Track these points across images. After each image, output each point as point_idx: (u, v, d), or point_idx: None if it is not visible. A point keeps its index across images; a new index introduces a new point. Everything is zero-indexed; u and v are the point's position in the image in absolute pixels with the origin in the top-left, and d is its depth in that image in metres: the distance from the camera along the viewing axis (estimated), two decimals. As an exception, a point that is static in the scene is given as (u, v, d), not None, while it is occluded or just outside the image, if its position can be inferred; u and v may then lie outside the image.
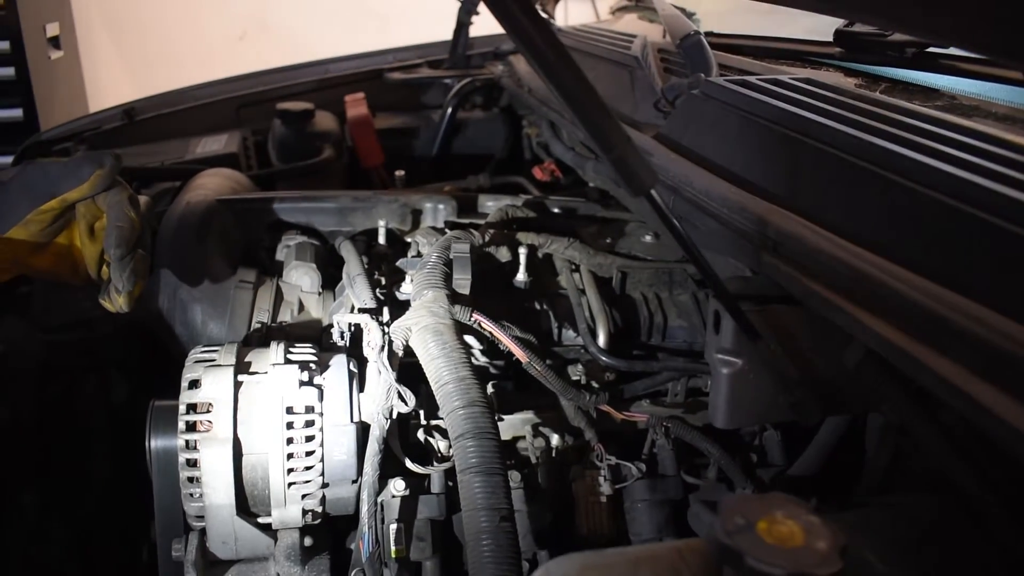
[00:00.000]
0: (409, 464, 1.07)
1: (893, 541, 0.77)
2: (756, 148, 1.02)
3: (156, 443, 1.06)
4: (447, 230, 1.39)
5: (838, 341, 0.84)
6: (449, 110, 2.13)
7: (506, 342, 1.11)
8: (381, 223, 1.37)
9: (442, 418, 1.12)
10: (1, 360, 1.29)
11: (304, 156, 1.97)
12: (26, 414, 1.40)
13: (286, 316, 1.26)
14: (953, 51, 1.30)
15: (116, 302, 1.09)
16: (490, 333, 1.11)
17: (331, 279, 1.33)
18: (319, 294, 1.30)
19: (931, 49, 1.31)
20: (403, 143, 2.17)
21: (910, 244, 0.77)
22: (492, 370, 1.20)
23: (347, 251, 1.28)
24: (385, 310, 1.17)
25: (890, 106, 1.01)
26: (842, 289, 0.77)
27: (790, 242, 0.84)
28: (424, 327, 1.07)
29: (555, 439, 1.17)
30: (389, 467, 1.07)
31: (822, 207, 0.87)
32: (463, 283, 1.15)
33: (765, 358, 0.86)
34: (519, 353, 1.11)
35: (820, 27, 1.48)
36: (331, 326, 1.20)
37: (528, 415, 1.19)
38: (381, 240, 1.36)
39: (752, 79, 1.15)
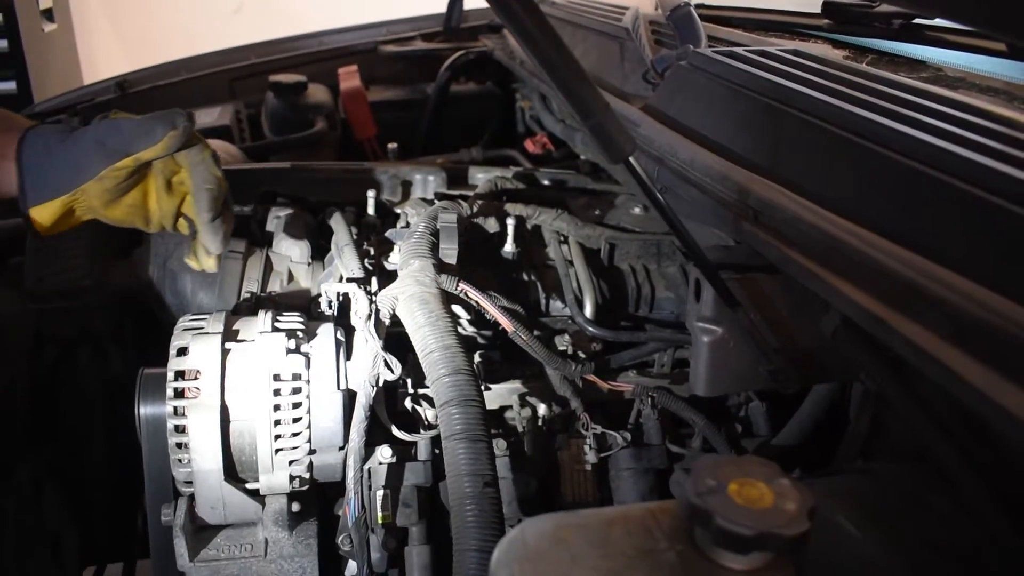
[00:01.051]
0: (396, 431, 1.08)
1: (868, 508, 0.78)
2: (741, 119, 1.03)
3: (145, 410, 1.07)
4: (436, 202, 1.39)
5: (816, 309, 0.85)
6: (442, 83, 2.13)
7: (492, 311, 1.12)
8: (370, 194, 1.37)
9: (428, 386, 1.14)
10: None
11: (297, 128, 1.97)
12: (19, 384, 1.41)
13: (275, 286, 1.27)
14: (939, 23, 1.30)
15: (206, 263, 1.13)
16: (476, 303, 1.12)
17: (320, 250, 1.34)
18: (308, 264, 1.30)
19: (917, 21, 1.31)
20: (396, 116, 2.17)
21: (888, 213, 0.78)
22: (479, 340, 1.21)
23: (336, 222, 1.29)
24: (373, 280, 1.18)
25: (875, 77, 1.01)
26: (820, 257, 0.78)
27: (770, 211, 0.85)
28: (411, 296, 1.07)
29: (542, 408, 1.18)
30: (376, 435, 1.08)
31: (804, 177, 0.88)
32: (450, 253, 1.16)
33: (745, 326, 0.87)
34: (505, 322, 1.11)
35: (809, -1, 1.48)
36: (319, 296, 1.20)
37: (515, 385, 1.20)
38: (370, 211, 1.37)
39: (739, 50, 1.15)
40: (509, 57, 1.86)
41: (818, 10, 1.46)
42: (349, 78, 2.12)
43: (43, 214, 1.07)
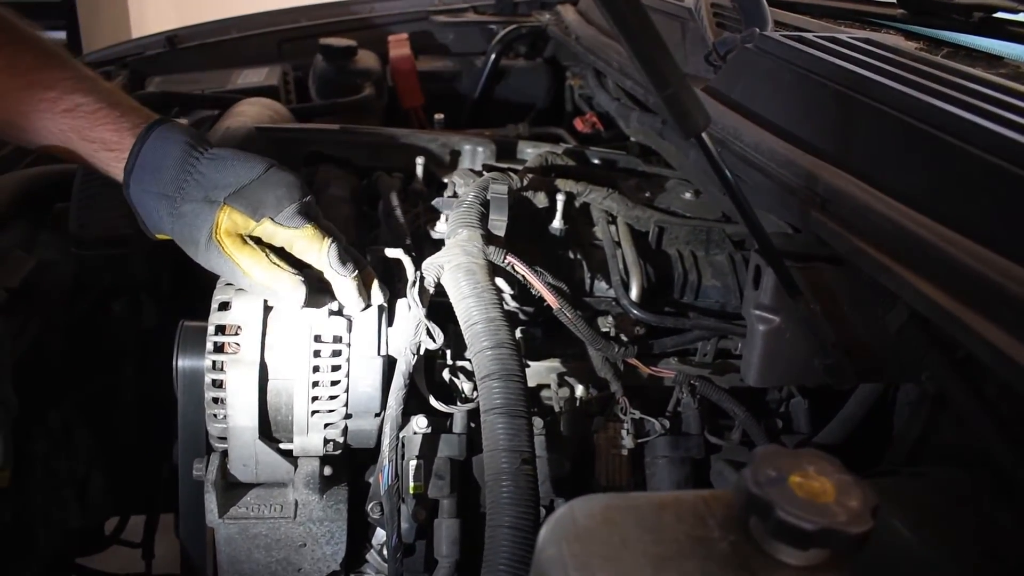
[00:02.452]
0: (433, 402, 1.07)
1: (919, 511, 0.76)
2: (809, 105, 1.00)
3: (183, 363, 1.06)
4: (484, 173, 1.37)
5: (880, 304, 0.82)
6: (492, 56, 2.10)
7: (538, 287, 1.09)
8: (419, 161, 1.35)
9: (468, 359, 1.12)
10: (35, 274, 1.30)
11: (344, 93, 1.95)
12: (56, 330, 1.40)
13: (318, 248, 1.25)
14: (1022, 17, 1.26)
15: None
16: (523, 276, 1.10)
17: (364, 215, 1.33)
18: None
19: (999, 15, 1.26)
20: (444, 87, 2.14)
21: (965, 209, 0.75)
22: (521, 316, 1.19)
23: (384, 186, 1.27)
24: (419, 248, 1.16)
25: (952, 70, 0.98)
26: (891, 249, 0.75)
27: (839, 199, 0.82)
28: (457, 265, 1.06)
29: (579, 390, 1.16)
30: (412, 404, 1.07)
31: (874, 167, 0.85)
32: (499, 224, 1.13)
33: (803, 317, 0.84)
34: (551, 298, 1.09)
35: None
36: (363, 260, 1.19)
37: (554, 363, 1.18)
38: (419, 178, 1.35)
39: (809, 35, 1.12)
40: (564, 33, 1.83)
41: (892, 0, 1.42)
42: (399, 46, 2.10)
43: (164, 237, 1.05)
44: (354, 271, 1.02)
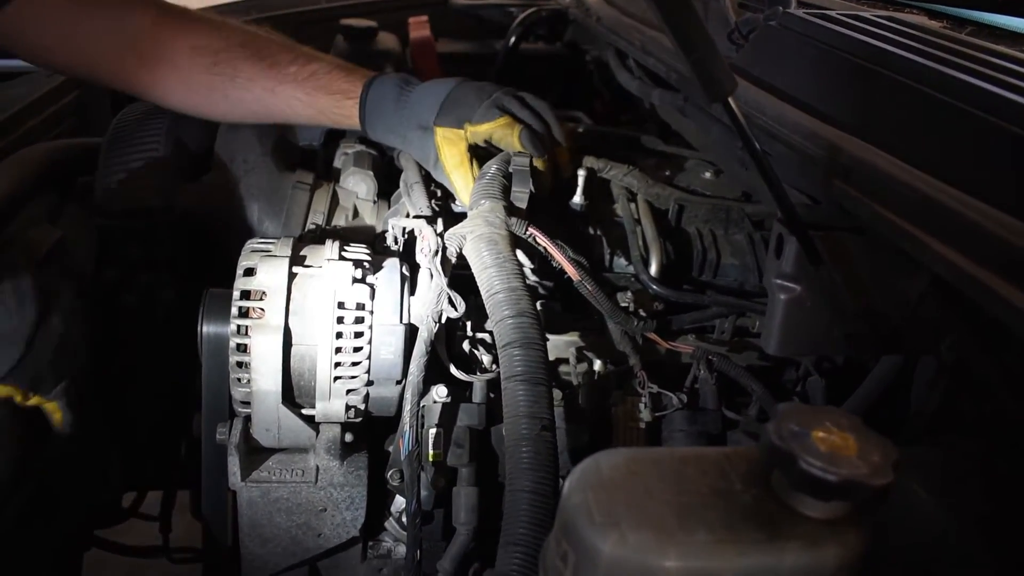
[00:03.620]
0: (454, 370, 1.08)
1: (941, 476, 0.77)
2: (832, 80, 1.00)
3: (208, 328, 1.08)
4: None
5: (902, 273, 0.83)
6: (512, 39, 2.10)
7: (559, 259, 1.10)
8: (441, 135, 1.36)
9: (488, 331, 1.13)
10: (60, 247, 1.31)
11: (364, 74, 1.96)
12: (80, 302, 1.42)
13: (340, 220, 1.27)
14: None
15: None
16: (544, 248, 1.11)
17: (386, 190, 1.34)
18: (374, 202, 1.30)
19: (1025, -6, 1.26)
20: (463, 69, 2.14)
21: (988, 177, 0.75)
22: (541, 290, 1.20)
23: (406, 160, 1.28)
24: (439, 220, 1.17)
25: (976, 46, 0.98)
26: (914, 216, 0.76)
27: (862, 169, 0.83)
28: (479, 236, 1.06)
29: (598, 364, 1.17)
30: (432, 374, 1.08)
31: (898, 139, 0.86)
32: (521, 196, 1.14)
33: (825, 286, 0.85)
34: (571, 271, 1.10)
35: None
36: (385, 232, 1.20)
37: (572, 338, 1.18)
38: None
39: (833, 13, 1.12)
40: (585, 14, 1.83)
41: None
42: (419, 28, 2.10)
43: None
44: (543, 153, 1.19)
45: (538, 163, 1.20)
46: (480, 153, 1.23)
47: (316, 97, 1.25)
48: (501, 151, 1.21)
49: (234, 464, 1.04)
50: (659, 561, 0.54)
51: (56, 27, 1.24)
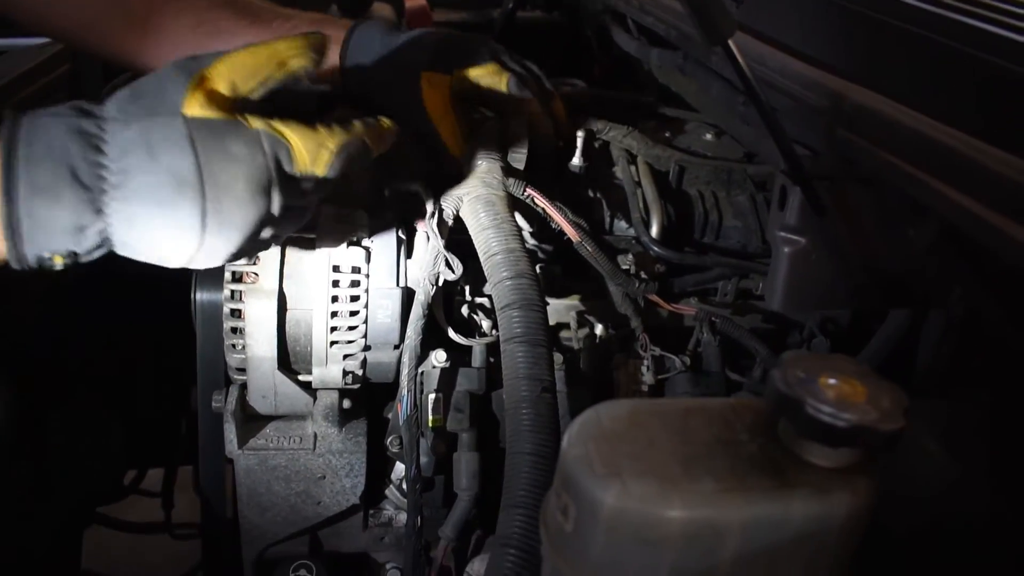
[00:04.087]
0: (452, 334, 1.06)
1: (951, 428, 0.75)
2: (833, 30, 0.98)
3: (201, 296, 1.06)
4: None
5: (910, 222, 0.81)
6: (509, 7, 2.07)
7: (558, 219, 1.08)
8: (436, 99, 1.33)
9: (487, 295, 1.12)
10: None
11: (359, 44, 1.93)
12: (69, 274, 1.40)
13: (334, 186, 1.24)
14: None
15: None
16: (542, 209, 1.09)
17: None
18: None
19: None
20: (460, 40, 2.12)
21: (996, 120, 0.73)
22: (540, 253, 1.18)
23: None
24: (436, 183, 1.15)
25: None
26: (921, 162, 0.74)
27: (867, 116, 0.81)
28: (476, 197, 1.04)
29: (599, 328, 1.15)
30: (431, 339, 1.06)
31: (902, 85, 0.83)
32: (519, 158, 1.12)
33: (830, 237, 0.83)
34: (571, 231, 1.08)
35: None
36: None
37: (573, 302, 1.17)
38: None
39: (834, -36, 1.09)
40: (582, -24, 1.80)
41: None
42: (415, 3, 2.07)
43: None
44: (531, 95, 1.17)
45: (535, 107, 1.18)
46: (465, 106, 1.20)
47: None
48: (487, 102, 1.20)
49: (231, 432, 1.02)
50: (663, 511, 0.53)
51: None
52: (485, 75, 1.16)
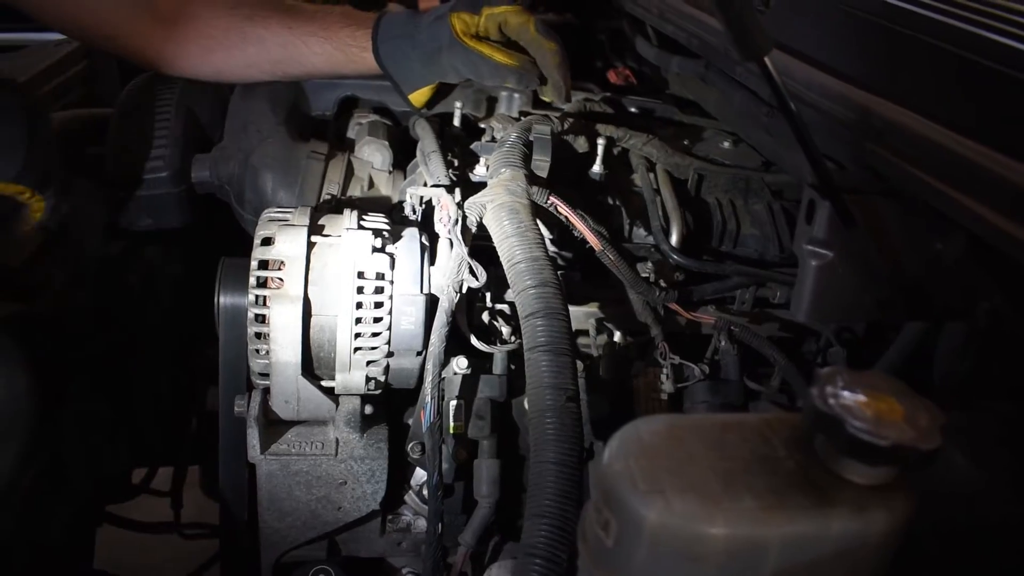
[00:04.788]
0: (474, 341, 1.06)
1: (978, 441, 0.75)
2: (860, 43, 0.98)
3: (225, 299, 1.06)
4: (522, 118, 1.35)
5: (935, 237, 0.81)
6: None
7: (581, 228, 1.09)
8: (457, 105, 1.34)
9: (508, 302, 1.12)
10: (70, 217, 1.29)
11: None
12: (88, 272, 1.40)
13: (355, 191, 1.25)
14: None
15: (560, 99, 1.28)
16: (565, 218, 1.09)
17: (400, 161, 1.32)
18: (389, 172, 1.28)
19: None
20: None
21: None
22: (560, 260, 1.18)
23: (422, 128, 1.26)
24: (457, 190, 1.15)
25: (1002, 6, 0.96)
26: (950, 177, 0.74)
27: (895, 130, 0.81)
28: (500, 204, 1.05)
29: (618, 335, 1.16)
30: (452, 345, 1.06)
31: (930, 101, 0.83)
32: (542, 165, 1.13)
33: (857, 251, 0.83)
34: (593, 240, 1.09)
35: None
36: (402, 202, 1.18)
37: (592, 309, 1.17)
38: (456, 123, 1.34)
39: (858, -24, 1.10)
40: (598, -18, 1.80)
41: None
42: (430, 3, 2.07)
43: (419, 98, 1.32)
44: (558, 40, 1.26)
45: (552, 53, 1.24)
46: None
47: (331, 29, 1.29)
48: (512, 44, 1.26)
49: (253, 437, 1.02)
50: (706, 528, 0.53)
51: None
52: (512, 14, 1.24)
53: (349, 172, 1.25)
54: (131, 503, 1.66)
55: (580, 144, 1.27)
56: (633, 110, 1.48)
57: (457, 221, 1.05)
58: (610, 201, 1.24)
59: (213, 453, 1.17)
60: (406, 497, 1.15)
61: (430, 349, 1.00)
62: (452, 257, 1.05)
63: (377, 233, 1.03)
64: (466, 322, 1.08)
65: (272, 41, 1.29)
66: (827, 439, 0.57)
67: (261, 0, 1.31)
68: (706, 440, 0.60)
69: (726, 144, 1.36)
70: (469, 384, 1.07)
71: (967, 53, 0.83)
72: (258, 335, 1.00)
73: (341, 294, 1.00)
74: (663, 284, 1.17)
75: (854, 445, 0.54)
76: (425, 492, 1.10)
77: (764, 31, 0.71)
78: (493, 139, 1.30)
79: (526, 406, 1.09)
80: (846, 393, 0.57)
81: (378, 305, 1.01)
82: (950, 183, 0.74)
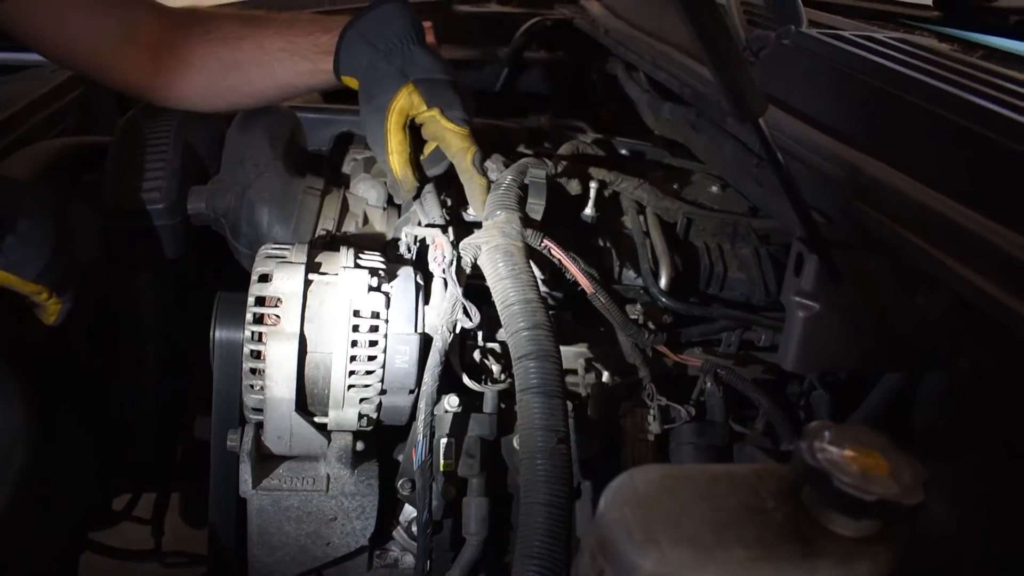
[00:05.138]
0: (467, 380, 1.08)
1: (959, 492, 0.78)
2: (848, 101, 1.01)
3: (220, 334, 1.07)
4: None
5: (922, 292, 0.84)
6: (517, 46, 2.11)
7: (573, 271, 1.11)
8: (452, 144, 1.36)
9: (499, 341, 1.14)
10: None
11: (368, 79, 1.95)
12: (83, 300, 1.41)
13: (351, 227, 1.26)
14: (1057, 22, 1.28)
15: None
16: (558, 261, 1.11)
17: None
18: (384, 209, 1.30)
19: (1036, 20, 1.29)
20: (467, 76, 2.14)
21: (1008, 200, 0.76)
22: (551, 301, 1.20)
23: (417, 168, 1.28)
24: (451, 229, 1.17)
25: (988, 70, 1.00)
26: (936, 238, 0.77)
27: (882, 189, 0.84)
28: (495, 247, 1.07)
29: (606, 375, 1.17)
30: (443, 383, 1.07)
31: (916, 161, 0.87)
32: (537, 208, 1.15)
33: (844, 304, 0.86)
34: (585, 283, 1.11)
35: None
36: (397, 239, 1.20)
37: (582, 349, 1.19)
38: (450, 161, 1.36)
39: (846, 34, 1.13)
40: (592, 26, 1.84)
41: (917, 1, 1.44)
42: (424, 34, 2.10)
43: (346, 81, 1.23)
44: (486, 178, 1.19)
45: (479, 189, 1.19)
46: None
47: (296, 41, 1.25)
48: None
49: (246, 472, 1.03)
50: (698, 578, 0.55)
51: (59, 18, 1.24)
52: (455, 136, 1.18)
53: (344, 208, 1.27)
54: (110, 530, 1.65)
55: (573, 187, 1.29)
56: (624, 152, 1.51)
57: (452, 262, 1.07)
58: (601, 243, 1.27)
59: (196, 481, 1.18)
60: (394, 533, 1.16)
61: (423, 388, 1.02)
62: (446, 297, 1.06)
63: (373, 272, 1.05)
64: (459, 361, 1.09)
65: (247, 63, 1.28)
66: (814, 492, 0.59)
67: (234, 20, 1.32)
68: (698, 491, 0.62)
69: (714, 188, 1.39)
70: (459, 422, 1.09)
71: (956, 117, 0.86)
72: (253, 371, 1.01)
73: (337, 332, 1.02)
74: (652, 326, 1.19)
75: (841, 499, 0.56)
76: (414, 528, 1.11)
77: (760, 93, 0.73)
78: (487, 179, 1.32)
79: (515, 445, 1.11)
80: (833, 448, 0.59)
81: (373, 343, 1.03)
82: (935, 244, 0.77)
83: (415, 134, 1.21)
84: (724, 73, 0.71)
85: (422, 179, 1.22)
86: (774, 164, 0.77)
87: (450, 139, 1.18)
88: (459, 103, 1.18)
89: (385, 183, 1.31)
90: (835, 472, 0.57)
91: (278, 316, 1.01)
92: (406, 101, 1.16)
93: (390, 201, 1.32)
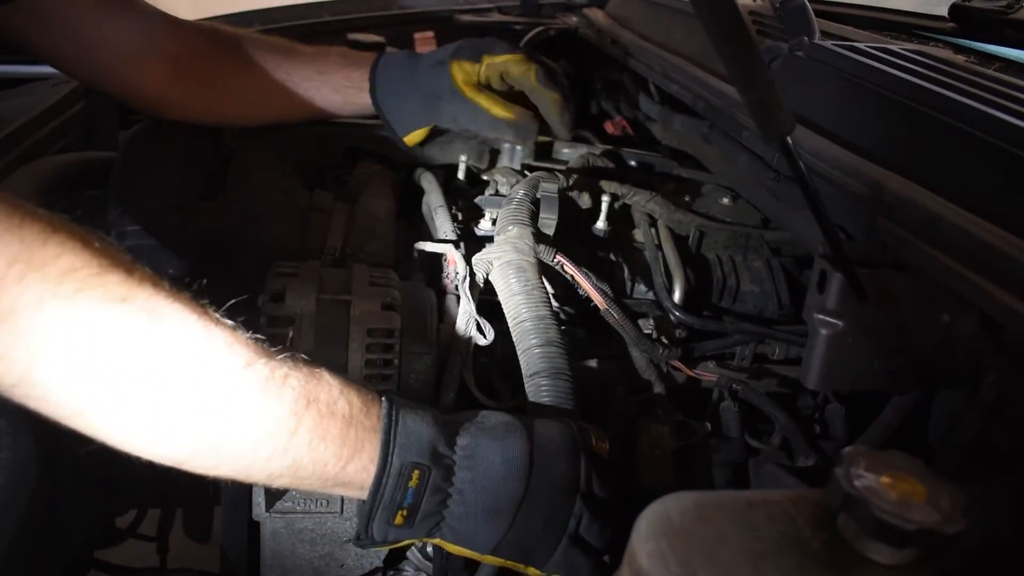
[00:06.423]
0: (480, 397, 1.06)
1: (988, 512, 0.77)
2: (865, 114, 1.00)
3: (231, 353, 1.05)
4: (525, 172, 1.37)
5: (948, 311, 0.83)
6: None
7: (586, 287, 1.10)
8: (462, 158, 1.35)
9: (511, 357, 1.12)
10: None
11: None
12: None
13: (359, 242, 1.25)
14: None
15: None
16: (571, 276, 1.10)
17: (404, 211, 1.32)
18: (393, 223, 1.28)
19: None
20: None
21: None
22: (564, 316, 1.19)
23: (428, 182, 1.27)
24: (462, 244, 1.16)
25: (1007, 83, 0.99)
26: (962, 256, 0.76)
27: (907, 206, 0.83)
28: (507, 262, 1.06)
29: (620, 392, 1.16)
30: (458, 401, 1.06)
31: (939, 177, 0.85)
32: (549, 223, 1.14)
33: (868, 323, 0.85)
34: (598, 299, 1.10)
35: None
36: (408, 255, 1.19)
37: (595, 364, 1.18)
38: (460, 176, 1.35)
39: (860, 45, 1.12)
40: (597, 35, 1.83)
41: (931, 12, 1.43)
42: (425, 44, 2.10)
43: (413, 139, 1.34)
44: (557, 88, 1.28)
45: (554, 103, 1.26)
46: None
47: (328, 72, 1.31)
48: (513, 92, 1.29)
49: (259, 495, 1.01)
50: (739, 610, 0.54)
51: (69, 24, 1.23)
52: (513, 63, 1.25)
53: (353, 223, 1.26)
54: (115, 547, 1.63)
55: (584, 200, 1.28)
56: (633, 163, 1.49)
57: (465, 278, 1.06)
58: (612, 257, 1.26)
59: (201, 498, 1.16)
60: (409, 553, 1.14)
61: (439, 406, 1.00)
62: (460, 314, 1.05)
63: (386, 290, 1.03)
64: (472, 379, 1.08)
65: (271, 84, 1.30)
66: (852, 520, 0.58)
67: (261, 43, 1.33)
68: (734, 520, 0.61)
69: (725, 200, 1.38)
70: (474, 440, 1.07)
71: (979, 132, 0.85)
72: (266, 391, 0.99)
73: (351, 351, 1.00)
74: (665, 341, 1.18)
75: (880, 527, 0.55)
76: (429, 548, 1.10)
77: (788, 112, 0.72)
78: (497, 192, 1.31)
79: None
80: (870, 474, 0.58)
81: (386, 363, 1.01)
82: (961, 262, 0.75)
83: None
84: (751, 91, 0.70)
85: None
86: (802, 183, 0.75)
87: (510, 68, 1.26)
88: (494, 41, 1.28)
89: (393, 196, 1.30)
90: (873, 499, 0.56)
91: (291, 336, 0.99)
92: (461, 72, 1.25)
93: (398, 215, 1.30)
